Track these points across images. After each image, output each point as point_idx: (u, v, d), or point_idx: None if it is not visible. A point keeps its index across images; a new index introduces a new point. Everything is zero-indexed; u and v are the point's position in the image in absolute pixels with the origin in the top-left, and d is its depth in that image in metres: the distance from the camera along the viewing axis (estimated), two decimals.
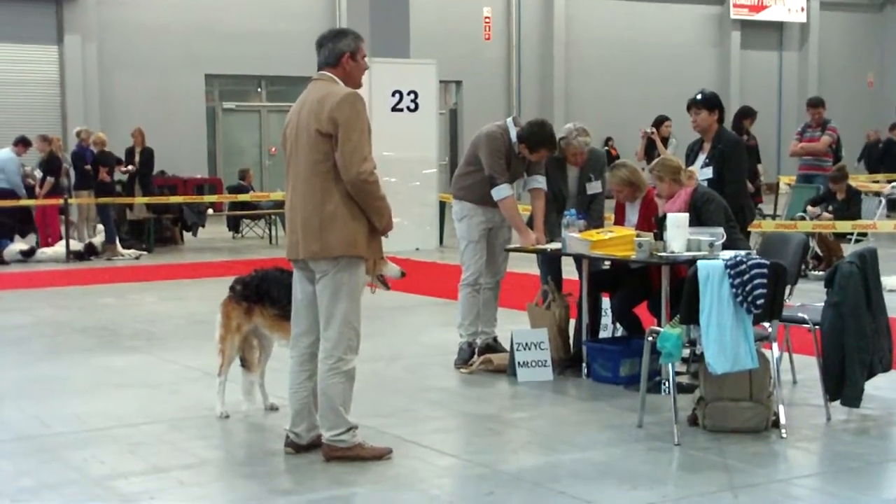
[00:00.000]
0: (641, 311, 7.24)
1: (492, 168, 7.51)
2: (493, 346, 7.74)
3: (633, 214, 7.40)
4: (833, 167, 13.41)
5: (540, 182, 7.64)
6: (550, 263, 7.80)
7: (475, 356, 7.62)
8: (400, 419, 6.22)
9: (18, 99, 23.50)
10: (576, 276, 7.86)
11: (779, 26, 33.43)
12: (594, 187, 7.76)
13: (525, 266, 9.10)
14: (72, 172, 16.71)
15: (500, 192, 7.51)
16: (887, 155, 23.08)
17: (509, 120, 7.72)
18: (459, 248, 7.82)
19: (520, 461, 5.47)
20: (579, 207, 7.63)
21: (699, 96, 7.42)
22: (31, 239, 16.64)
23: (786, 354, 6.75)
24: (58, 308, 10.95)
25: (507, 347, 7.47)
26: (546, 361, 7.18)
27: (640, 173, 7.38)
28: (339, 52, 5.39)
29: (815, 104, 14.05)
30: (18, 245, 15.89)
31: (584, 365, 7.22)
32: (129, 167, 17.32)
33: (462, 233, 7.76)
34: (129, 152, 17.46)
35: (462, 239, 7.77)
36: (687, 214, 6.72)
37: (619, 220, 7.48)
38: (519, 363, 7.15)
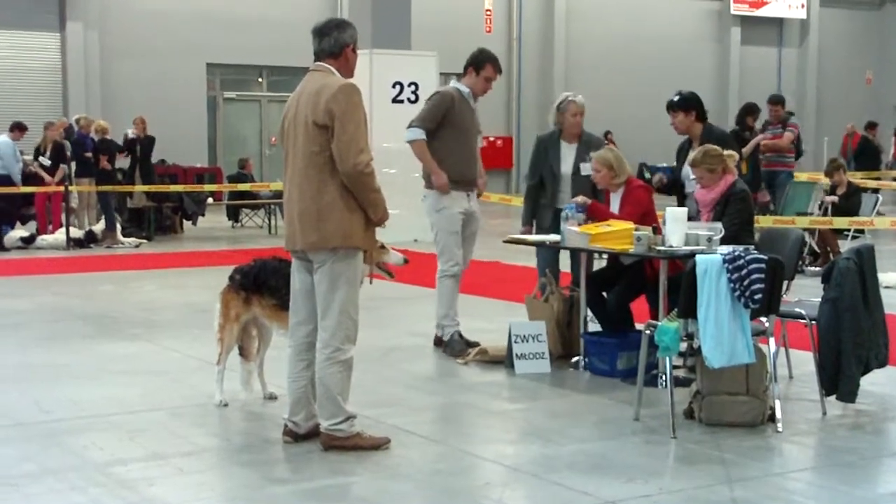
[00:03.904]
0: (636, 306, 7.27)
1: (420, 113, 7.74)
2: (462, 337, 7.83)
3: (615, 204, 7.40)
4: (794, 163, 13.80)
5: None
6: (548, 256, 7.83)
7: (465, 347, 7.68)
8: (397, 409, 6.25)
9: (20, 86, 23.50)
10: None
11: (779, 22, 33.45)
12: (588, 168, 7.71)
13: (522, 258, 9.12)
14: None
15: (412, 133, 7.69)
16: (863, 154, 23.21)
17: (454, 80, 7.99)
18: (437, 240, 7.84)
19: (517, 453, 5.51)
20: (574, 189, 7.66)
21: (675, 98, 7.49)
22: (31, 226, 16.66)
23: (782, 349, 6.79)
24: (58, 295, 10.97)
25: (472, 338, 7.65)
26: (544, 353, 7.20)
27: (623, 162, 7.37)
28: (343, 43, 5.41)
29: (776, 101, 14.33)
30: (19, 232, 15.91)
31: (581, 358, 7.25)
32: (127, 155, 17.32)
33: (441, 224, 7.77)
34: (131, 141, 17.45)
35: (441, 230, 7.78)
36: (686, 209, 6.75)
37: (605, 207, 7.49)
38: (517, 355, 7.18)
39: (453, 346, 7.75)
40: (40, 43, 23.88)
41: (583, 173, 7.74)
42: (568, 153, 7.82)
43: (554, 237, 7.35)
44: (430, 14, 24.12)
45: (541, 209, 7.88)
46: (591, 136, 7.99)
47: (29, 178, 16.63)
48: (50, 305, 10.33)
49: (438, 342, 7.93)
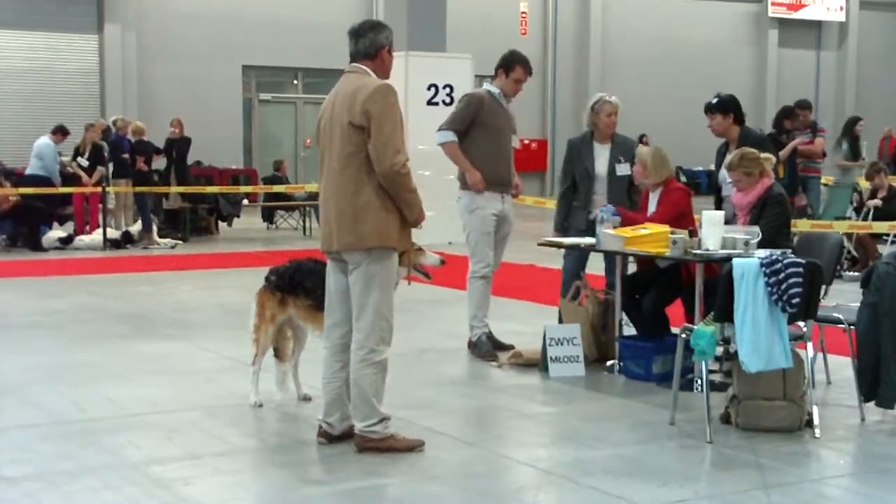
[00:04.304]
0: (671, 310, 7.22)
1: (450, 116, 7.81)
2: (492, 338, 7.82)
3: (653, 204, 7.37)
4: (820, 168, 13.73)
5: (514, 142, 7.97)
6: (576, 259, 7.81)
7: (492, 349, 7.68)
8: (431, 411, 6.24)
9: (59, 87, 23.75)
10: (599, 273, 7.88)
11: (817, 25, 33.17)
12: (623, 169, 7.72)
13: (557, 261, 9.08)
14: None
15: (443, 136, 7.74)
16: None
17: (486, 82, 8.04)
18: (469, 241, 7.84)
19: (551, 456, 5.49)
20: (609, 190, 7.66)
21: (714, 100, 7.47)
22: (69, 226, 16.82)
23: (820, 354, 6.73)
24: (95, 295, 11.06)
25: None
26: (578, 357, 7.18)
27: (661, 163, 7.32)
28: (380, 45, 5.42)
29: (805, 107, 14.20)
30: (57, 232, 16.06)
31: (616, 361, 7.22)
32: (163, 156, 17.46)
33: (474, 225, 7.78)
34: (167, 142, 17.57)
35: (473, 231, 7.79)
36: (722, 212, 6.71)
37: (643, 206, 7.47)
38: (551, 358, 7.16)
39: (481, 347, 7.75)
40: (78, 45, 24.13)
41: (618, 174, 7.72)
42: (602, 153, 7.79)
43: (589, 240, 7.32)
44: (465, 16, 24.14)
45: (574, 212, 7.85)
46: (625, 138, 7.96)
47: (67, 178, 16.82)
48: (87, 305, 10.42)
49: (472, 345, 7.93)
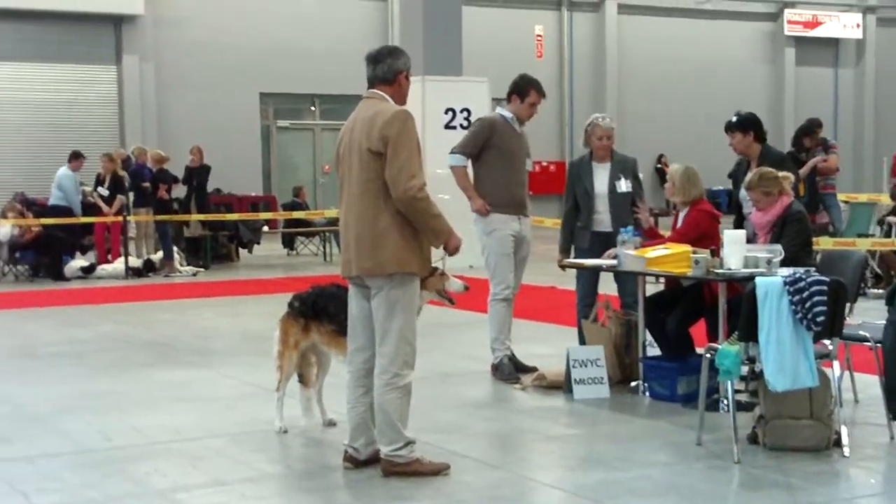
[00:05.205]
0: (694, 330, 7.20)
1: (462, 140, 7.93)
2: (513, 360, 7.81)
3: (681, 223, 7.38)
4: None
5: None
6: (589, 279, 7.79)
7: (515, 371, 7.66)
8: (456, 434, 6.23)
9: (79, 118, 23.93)
10: (611, 293, 7.87)
11: (834, 42, 33.07)
12: (623, 186, 7.73)
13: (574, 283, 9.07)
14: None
15: (453, 159, 7.87)
16: None
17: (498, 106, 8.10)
18: (488, 263, 7.85)
19: (577, 478, 5.46)
20: (612, 208, 7.67)
21: (734, 118, 7.49)
22: (91, 255, 16.91)
23: (847, 372, 6.67)
24: (118, 323, 11.11)
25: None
26: (602, 378, 7.16)
27: (691, 182, 7.31)
28: (397, 70, 5.45)
29: (817, 125, 14.14)
30: (79, 261, 16.15)
31: (641, 382, 7.19)
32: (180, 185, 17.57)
33: (493, 247, 7.79)
34: (187, 170, 17.67)
35: (493, 253, 7.81)
36: (744, 231, 6.70)
37: (674, 225, 7.47)
38: (575, 380, 7.14)
39: (503, 369, 7.75)
40: (98, 76, 24.32)
41: (619, 191, 7.73)
42: (601, 172, 7.81)
43: (609, 262, 7.31)
44: (481, 40, 24.20)
45: (577, 232, 7.87)
46: (625, 156, 7.96)
47: (88, 208, 16.93)
48: (110, 334, 10.46)
49: (495, 368, 7.91)
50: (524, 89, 7.83)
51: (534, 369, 7.70)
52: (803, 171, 12.59)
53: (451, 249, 5.40)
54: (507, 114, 7.86)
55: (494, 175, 7.76)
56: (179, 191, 17.83)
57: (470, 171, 7.93)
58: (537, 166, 27.10)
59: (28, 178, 21.95)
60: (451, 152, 7.90)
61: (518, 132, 7.87)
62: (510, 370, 7.71)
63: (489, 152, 7.77)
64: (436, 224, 5.29)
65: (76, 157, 16.89)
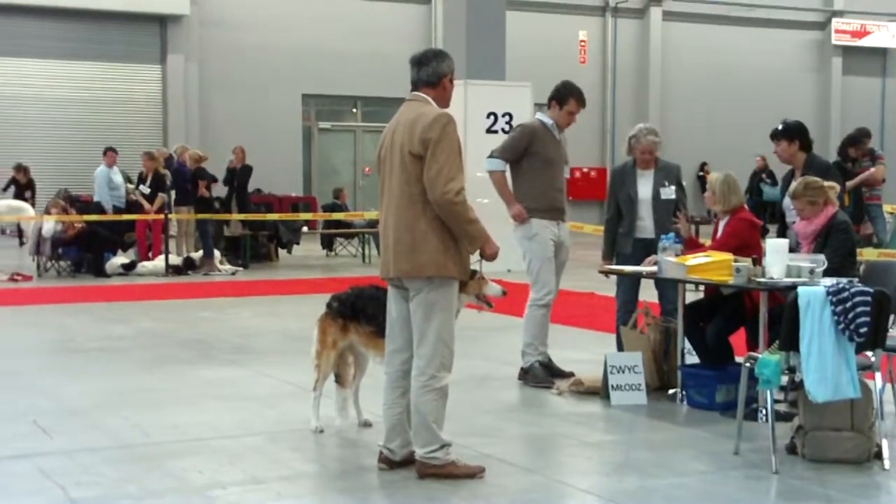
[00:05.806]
0: (734, 338, 7.14)
1: (502, 144, 7.93)
2: (549, 366, 7.77)
3: (721, 232, 7.32)
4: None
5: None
6: (630, 285, 7.76)
7: (550, 376, 7.65)
8: (492, 438, 6.22)
9: (123, 117, 24.21)
10: (651, 300, 7.83)
11: (882, 52, 32.75)
12: (668, 192, 7.72)
13: (614, 289, 9.05)
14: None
15: (492, 163, 7.86)
16: None
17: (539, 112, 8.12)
18: (531, 268, 7.83)
19: (612, 484, 5.43)
20: (655, 213, 7.65)
21: (780, 127, 7.43)
22: (132, 253, 17.07)
23: (889, 385, 6.59)
24: (157, 320, 11.20)
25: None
26: (640, 385, 7.12)
27: (728, 188, 7.24)
28: (442, 73, 5.45)
29: (866, 135, 13.97)
30: (120, 258, 16.31)
31: (679, 390, 7.14)
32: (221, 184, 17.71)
33: (535, 252, 7.78)
34: (229, 170, 17.79)
35: (535, 258, 7.79)
36: (787, 240, 6.63)
37: (714, 233, 7.42)
38: (613, 386, 7.11)
39: (535, 374, 7.73)
40: (142, 75, 24.59)
41: (663, 197, 7.70)
42: (645, 179, 7.80)
43: (650, 268, 7.27)
44: (524, 45, 24.20)
45: (620, 238, 7.85)
46: (668, 163, 7.94)
47: (130, 205, 17.11)
48: (150, 331, 10.55)
49: (524, 372, 7.88)
50: (564, 97, 7.82)
51: (570, 374, 7.68)
52: (852, 183, 12.47)
53: (488, 256, 5.40)
54: (548, 120, 7.85)
55: (534, 181, 7.76)
56: (220, 190, 17.94)
57: (508, 176, 7.93)
58: (578, 172, 27.11)
59: (72, 176, 22.25)
60: (490, 156, 7.91)
61: (557, 139, 7.86)
62: (542, 375, 7.69)
63: (529, 159, 7.77)
64: (471, 229, 5.28)
65: (108, 152, 17.14)
